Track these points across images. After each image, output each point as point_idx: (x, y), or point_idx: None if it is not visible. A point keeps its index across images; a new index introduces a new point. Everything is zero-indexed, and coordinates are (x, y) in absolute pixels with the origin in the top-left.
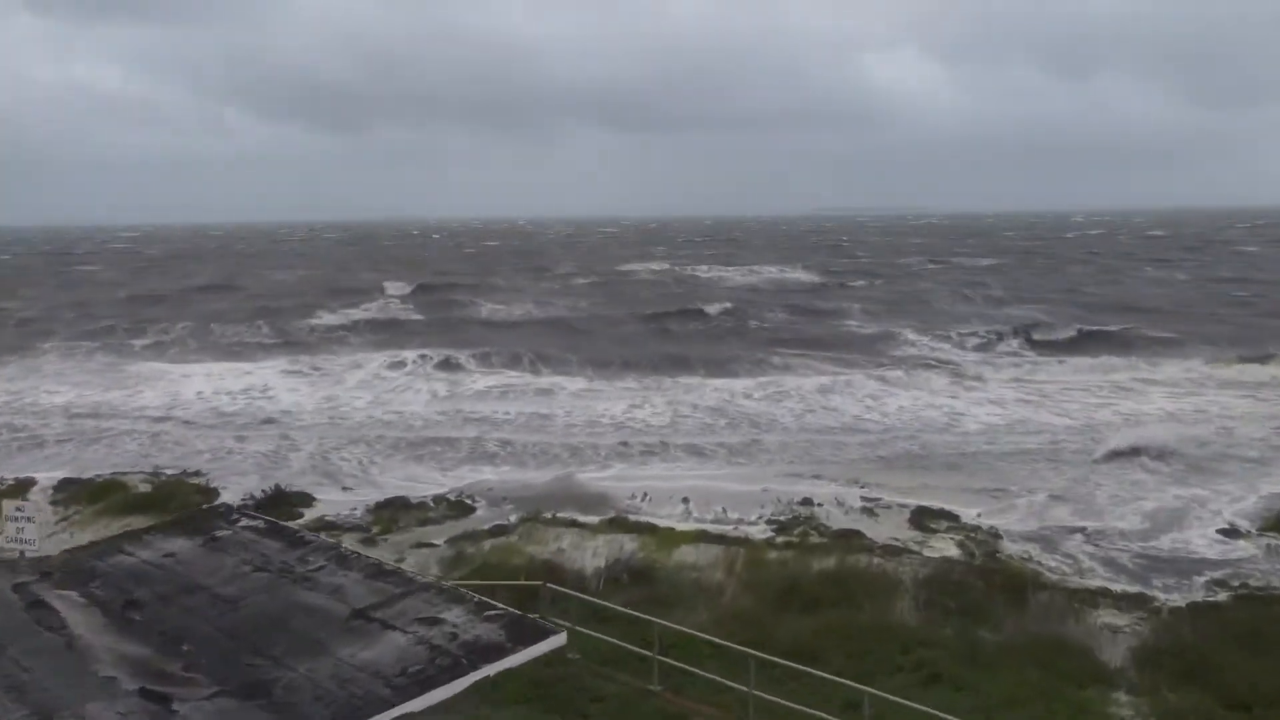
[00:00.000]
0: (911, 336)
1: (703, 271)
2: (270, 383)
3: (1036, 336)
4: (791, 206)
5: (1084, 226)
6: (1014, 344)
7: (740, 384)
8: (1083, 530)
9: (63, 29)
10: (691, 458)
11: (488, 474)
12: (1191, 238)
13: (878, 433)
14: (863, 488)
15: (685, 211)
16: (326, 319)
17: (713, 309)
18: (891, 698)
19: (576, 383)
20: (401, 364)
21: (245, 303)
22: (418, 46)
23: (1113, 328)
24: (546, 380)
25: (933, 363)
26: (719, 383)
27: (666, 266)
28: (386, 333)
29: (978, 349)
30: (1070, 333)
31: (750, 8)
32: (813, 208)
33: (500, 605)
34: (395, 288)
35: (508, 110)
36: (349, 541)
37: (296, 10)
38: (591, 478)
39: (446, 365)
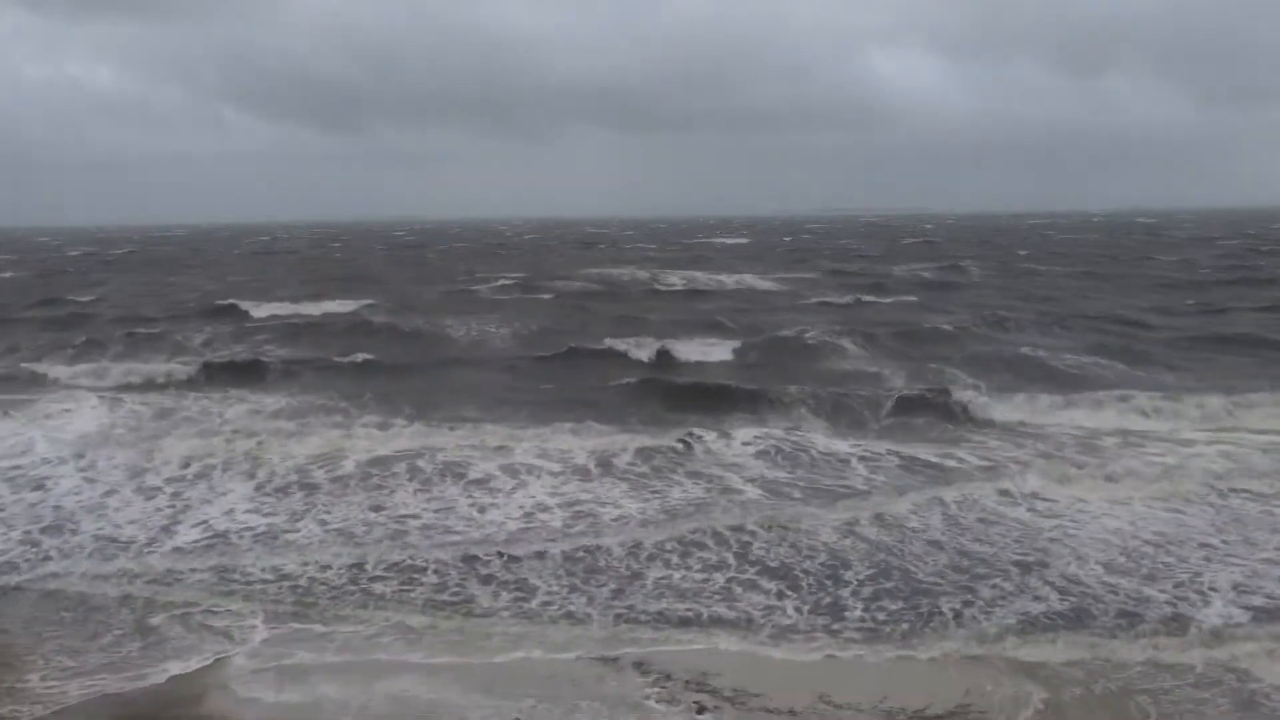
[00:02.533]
0: (1018, 403)
1: (693, 280)
2: (27, 459)
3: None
4: (795, 206)
5: (1111, 228)
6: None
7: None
8: None
9: (56, 25)
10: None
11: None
12: (1245, 239)
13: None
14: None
15: (688, 211)
16: (177, 364)
17: (708, 350)
18: None
19: (506, 452)
20: (251, 429)
21: (107, 326)
22: (415, 43)
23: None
24: (466, 449)
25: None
26: (719, 448)
27: (656, 273)
28: (260, 374)
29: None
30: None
31: (752, 1)
32: (817, 207)
33: None
34: (319, 305)
35: (508, 109)
36: None
37: (292, 7)
38: (267, 668)
39: (321, 425)
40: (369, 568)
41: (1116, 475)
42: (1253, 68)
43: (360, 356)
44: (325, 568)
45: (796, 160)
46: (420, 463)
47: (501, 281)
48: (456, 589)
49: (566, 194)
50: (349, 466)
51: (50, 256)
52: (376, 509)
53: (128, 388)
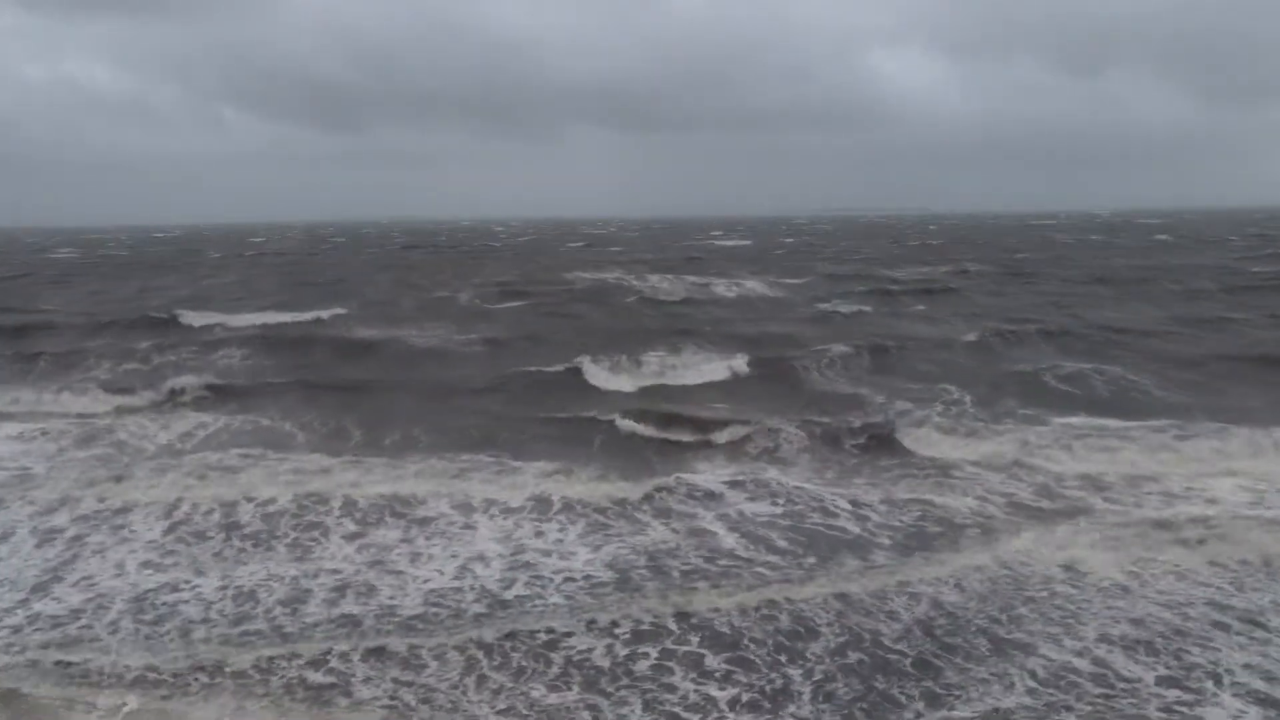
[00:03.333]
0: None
1: (686, 286)
2: None
3: None
4: (795, 206)
5: (1115, 229)
6: None
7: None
8: None
9: (54, 24)
10: None
11: None
12: (1254, 240)
13: None
14: None
15: (688, 211)
16: (113, 382)
17: (692, 369)
18: None
19: (456, 489)
20: (183, 458)
21: (53, 337)
22: (415, 43)
23: None
24: (412, 483)
25: None
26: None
27: (649, 277)
28: (203, 394)
29: None
30: None
31: (752, 1)
32: (818, 207)
33: None
34: (286, 314)
35: (508, 109)
36: None
37: (292, 7)
38: None
39: (260, 453)
40: (243, 641)
41: (1126, 524)
42: (1254, 66)
43: (313, 374)
44: (192, 641)
45: (796, 160)
46: (359, 499)
47: (485, 287)
48: (334, 668)
49: (567, 194)
50: (284, 501)
51: (34, 258)
52: (299, 558)
53: (54, 411)
